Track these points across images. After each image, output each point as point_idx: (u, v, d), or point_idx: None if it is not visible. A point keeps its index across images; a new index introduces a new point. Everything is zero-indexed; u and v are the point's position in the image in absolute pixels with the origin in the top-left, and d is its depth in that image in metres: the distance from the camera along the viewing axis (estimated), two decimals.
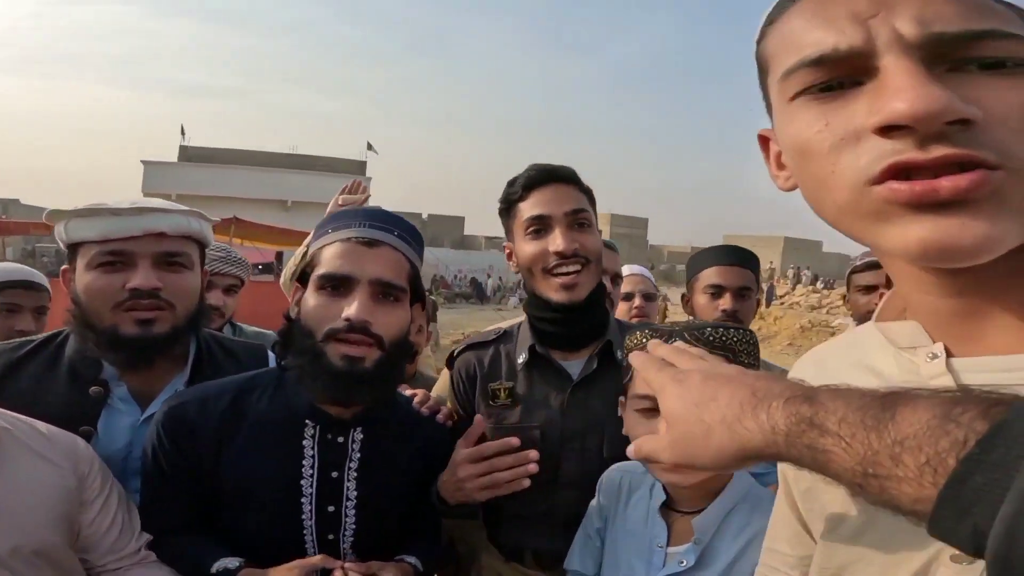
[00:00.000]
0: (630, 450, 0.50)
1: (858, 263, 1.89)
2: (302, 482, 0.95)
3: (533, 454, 0.96)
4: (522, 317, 1.22)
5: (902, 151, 0.36)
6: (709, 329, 0.84)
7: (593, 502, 1.03)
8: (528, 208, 1.11)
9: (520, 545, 1.14)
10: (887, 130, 0.37)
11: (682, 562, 0.85)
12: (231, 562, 0.89)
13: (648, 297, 2.02)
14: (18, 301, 1.62)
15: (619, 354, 1.13)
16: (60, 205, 1.03)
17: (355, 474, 0.98)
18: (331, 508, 0.96)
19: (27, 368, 1.02)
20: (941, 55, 0.38)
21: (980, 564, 0.39)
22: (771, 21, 0.46)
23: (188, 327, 1.06)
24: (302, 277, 0.98)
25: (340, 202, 1.57)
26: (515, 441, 0.97)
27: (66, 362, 1.03)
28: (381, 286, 0.92)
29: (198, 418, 0.95)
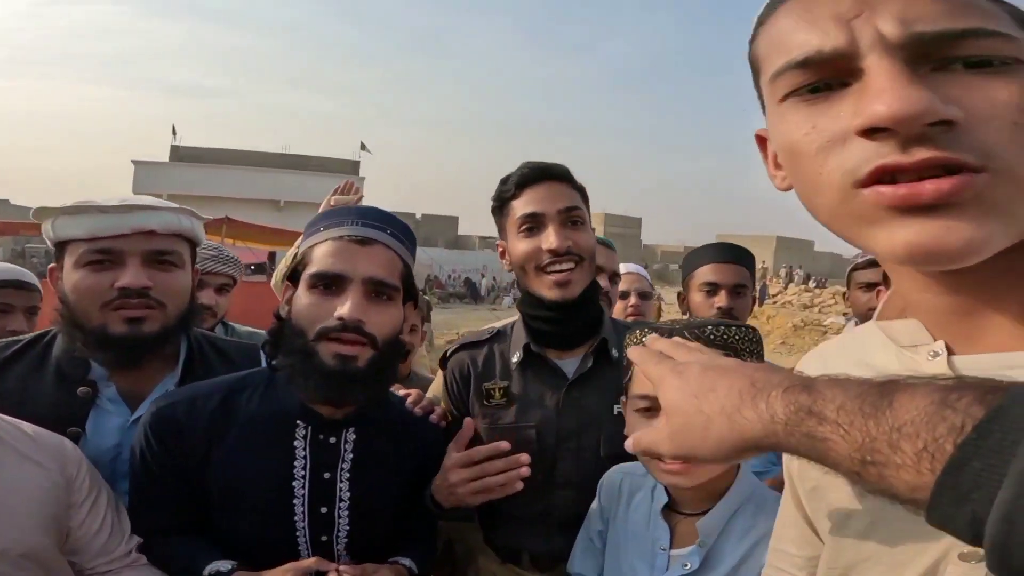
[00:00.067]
0: (628, 444, 0.50)
1: (859, 260, 1.90)
2: (294, 483, 0.94)
3: (524, 458, 0.96)
4: (516, 316, 1.21)
5: (886, 154, 0.37)
6: (710, 327, 0.84)
7: (594, 504, 1.03)
8: (521, 206, 1.11)
9: (516, 547, 1.13)
10: (870, 132, 0.37)
11: (686, 565, 0.84)
12: (224, 565, 0.88)
13: (644, 295, 2.02)
14: (10, 301, 1.60)
15: (614, 352, 1.12)
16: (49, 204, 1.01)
17: (348, 475, 0.97)
18: (324, 509, 0.95)
19: (14, 368, 1.00)
20: (925, 55, 0.37)
21: None
22: (761, 22, 0.46)
23: (179, 327, 1.05)
24: (293, 276, 0.97)
25: (332, 202, 1.56)
26: (505, 445, 0.96)
27: (53, 362, 1.01)
28: (374, 285, 0.92)
29: (186, 419, 0.93)
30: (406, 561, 0.98)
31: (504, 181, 1.14)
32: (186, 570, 0.90)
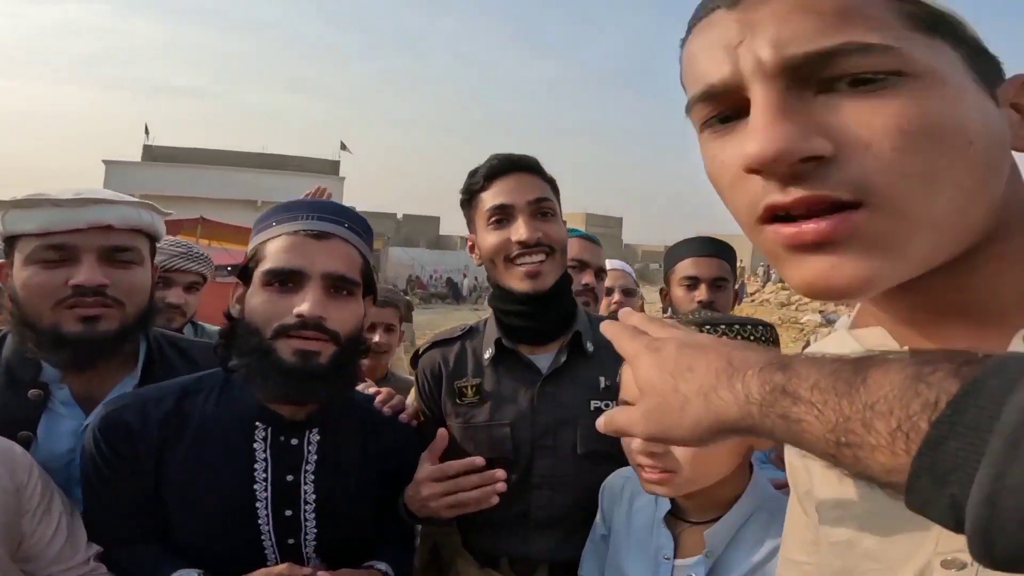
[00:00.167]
0: (599, 422, 0.47)
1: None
2: (255, 486, 0.91)
3: (500, 473, 0.94)
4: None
5: (771, 192, 0.36)
6: (723, 326, 0.81)
7: (599, 508, 1.01)
8: (490, 198, 1.08)
9: (494, 551, 1.11)
10: (754, 171, 0.37)
11: (691, 575, 0.81)
12: (189, 574, 0.86)
13: (628, 292, 2.02)
14: None
15: (589, 346, 1.10)
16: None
17: (312, 477, 0.94)
18: (289, 512, 0.92)
19: None
20: (805, 77, 0.36)
21: (972, 571, 0.37)
22: (682, 44, 0.44)
23: (137, 326, 1.01)
24: (244, 274, 0.94)
25: None
26: (480, 460, 0.94)
27: (3, 363, 0.97)
28: (334, 280, 0.89)
29: (138, 422, 0.90)
30: (382, 566, 0.96)
31: (472, 173, 1.12)
32: None
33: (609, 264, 2.02)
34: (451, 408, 1.12)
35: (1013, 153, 0.40)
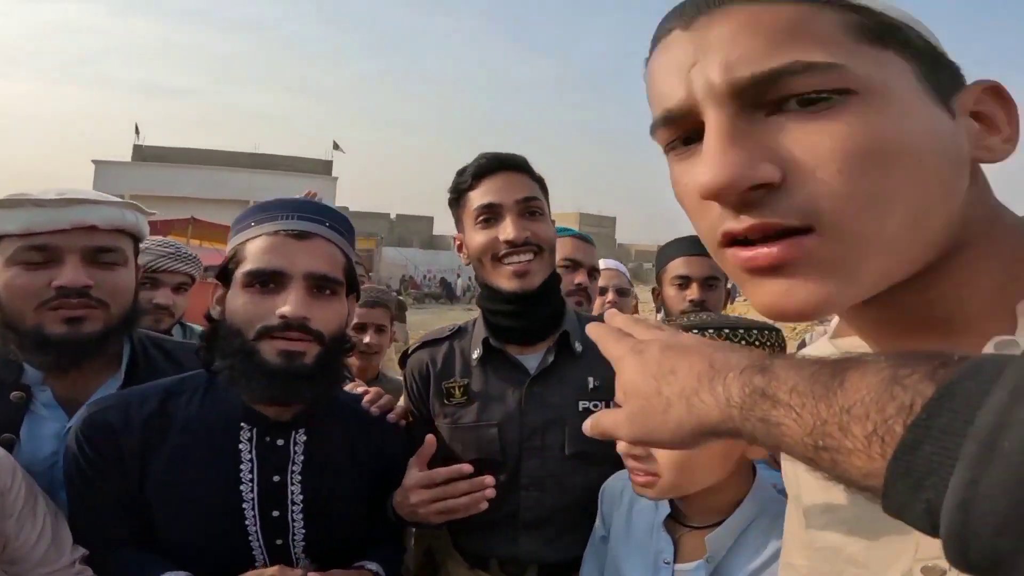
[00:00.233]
0: (586, 425, 0.47)
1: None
2: (241, 487, 0.90)
3: (489, 479, 0.93)
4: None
5: (726, 218, 0.37)
6: (728, 330, 0.80)
7: (599, 511, 1.00)
8: (478, 197, 1.08)
9: (484, 552, 1.10)
10: (708, 199, 0.37)
11: None
12: None
13: (622, 292, 2.02)
14: None
15: (578, 346, 1.10)
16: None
17: (299, 477, 0.93)
18: (276, 513, 0.92)
19: None
20: (755, 99, 0.36)
21: None
22: (646, 61, 0.44)
23: (121, 327, 1.00)
24: (223, 275, 0.92)
25: None
26: (467, 468, 0.93)
27: None
28: (316, 280, 0.89)
29: (121, 424, 0.89)
30: (372, 566, 0.96)
31: (461, 172, 1.11)
32: None
33: (603, 263, 2.02)
34: (439, 409, 1.12)
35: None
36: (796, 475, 0.53)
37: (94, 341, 0.95)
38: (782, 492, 0.84)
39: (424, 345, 1.18)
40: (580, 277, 1.68)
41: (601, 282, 1.95)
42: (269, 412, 0.92)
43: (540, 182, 1.12)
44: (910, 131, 0.35)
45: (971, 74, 0.40)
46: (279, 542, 0.91)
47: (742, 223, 0.36)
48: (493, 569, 1.09)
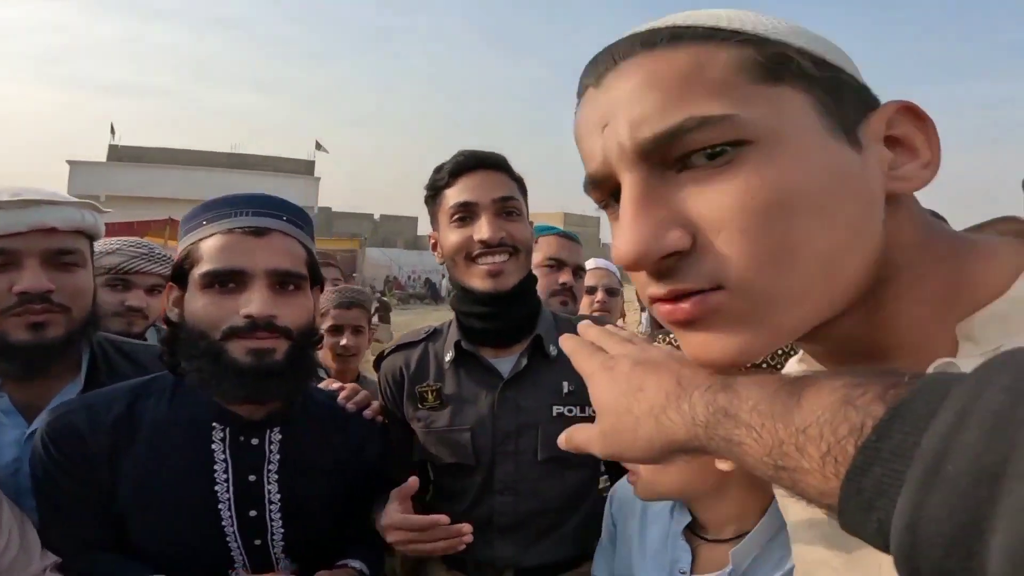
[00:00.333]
0: (560, 440, 0.48)
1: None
2: (216, 487, 0.89)
3: (466, 527, 0.92)
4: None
5: (649, 283, 0.37)
6: None
7: (606, 515, 0.99)
8: (454, 195, 1.06)
9: (460, 555, 1.08)
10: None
11: None
12: None
13: (611, 292, 2.01)
14: None
15: (552, 349, 1.08)
16: None
17: (275, 476, 0.92)
18: (253, 513, 0.90)
19: None
20: (662, 158, 0.36)
21: None
22: (575, 111, 0.43)
23: (83, 331, 0.98)
24: (177, 277, 0.90)
25: None
26: (444, 519, 0.92)
27: None
28: (279, 276, 0.87)
29: (87, 427, 0.87)
30: (356, 564, 0.95)
31: (438, 169, 1.09)
32: None
33: (593, 263, 2.01)
34: (412, 413, 1.10)
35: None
36: (780, 493, 0.53)
37: (58, 346, 0.92)
38: None
39: (398, 348, 1.17)
40: (565, 276, 1.66)
41: (591, 281, 1.94)
42: (242, 411, 0.91)
43: (519, 182, 1.11)
44: (810, 176, 0.34)
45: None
46: (258, 542, 0.90)
47: (661, 288, 0.36)
48: (470, 572, 1.08)
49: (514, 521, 1.04)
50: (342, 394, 1.09)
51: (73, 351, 0.98)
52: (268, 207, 0.90)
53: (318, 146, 30.60)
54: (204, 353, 0.84)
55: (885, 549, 0.24)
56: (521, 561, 1.05)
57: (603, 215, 0.43)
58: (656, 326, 1.79)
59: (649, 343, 0.47)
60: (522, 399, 1.06)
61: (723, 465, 0.82)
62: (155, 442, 0.88)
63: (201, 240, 0.88)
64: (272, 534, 0.91)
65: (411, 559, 1.24)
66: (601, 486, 1.22)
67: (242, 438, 0.91)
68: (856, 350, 0.39)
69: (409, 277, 27.85)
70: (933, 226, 0.39)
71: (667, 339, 0.78)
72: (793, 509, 0.50)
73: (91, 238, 1.02)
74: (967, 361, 0.27)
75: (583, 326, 0.53)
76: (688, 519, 0.86)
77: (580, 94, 0.41)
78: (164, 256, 1.83)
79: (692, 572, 0.82)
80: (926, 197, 0.40)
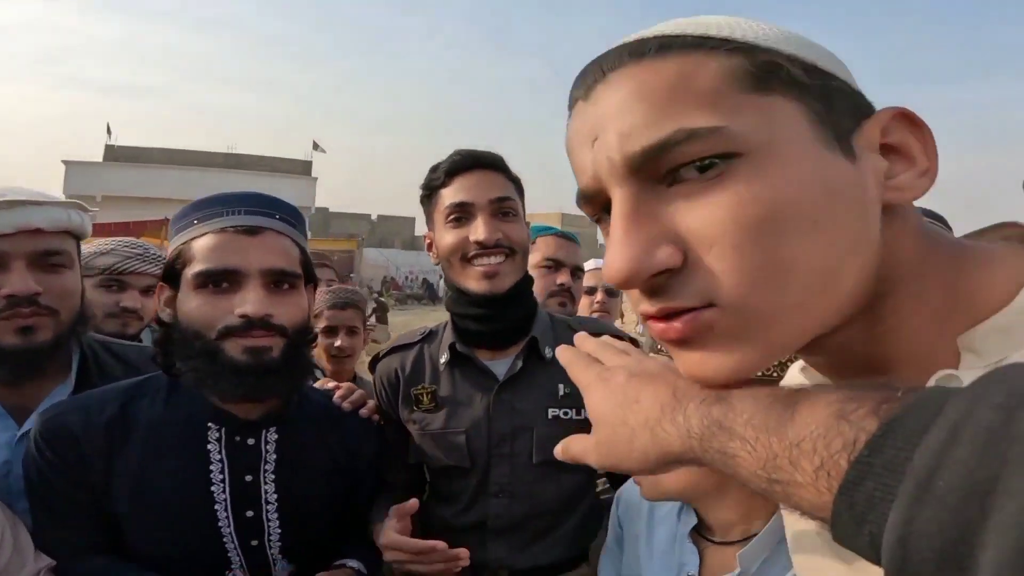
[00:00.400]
0: (557, 450, 0.48)
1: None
2: (212, 488, 0.88)
3: (463, 552, 0.92)
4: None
5: (641, 300, 0.37)
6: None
7: (612, 517, 0.99)
8: (450, 195, 1.04)
9: None
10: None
11: None
12: None
13: (611, 292, 2.00)
14: None
15: (547, 352, 1.07)
16: None
17: (272, 476, 0.92)
18: (250, 513, 0.89)
19: None
20: (652, 172, 0.35)
21: None
22: (567, 124, 0.42)
23: (72, 333, 0.97)
24: (169, 276, 0.89)
25: None
26: (442, 545, 0.91)
27: None
28: (274, 275, 0.86)
29: (81, 429, 0.86)
30: (353, 563, 0.94)
31: (434, 169, 1.08)
32: None
33: (593, 263, 2.00)
34: (408, 415, 1.10)
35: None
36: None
37: (47, 350, 0.91)
38: None
39: (393, 350, 1.15)
40: (563, 277, 1.64)
41: (591, 282, 1.92)
42: (238, 411, 0.90)
43: (516, 182, 1.09)
44: (802, 189, 0.34)
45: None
46: (255, 543, 0.89)
47: (653, 306, 0.36)
48: (465, 574, 1.07)
49: (509, 524, 1.04)
50: (338, 393, 1.08)
51: (62, 353, 0.97)
52: (261, 206, 0.89)
53: (315, 146, 30.54)
54: (200, 353, 0.83)
55: (877, 562, 0.24)
56: (516, 563, 1.04)
57: None
58: None
59: (645, 354, 0.47)
60: (517, 402, 1.05)
61: None
62: (150, 443, 0.88)
63: (193, 239, 0.87)
64: (269, 535, 0.90)
65: None
66: (599, 489, 1.22)
67: (238, 438, 0.90)
68: (857, 362, 0.39)
69: (407, 277, 27.83)
70: (932, 235, 0.39)
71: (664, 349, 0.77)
72: (791, 519, 0.50)
73: (78, 238, 1.01)
74: (969, 373, 0.27)
75: (579, 337, 0.53)
76: (695, 521, 0.85)
77: (570, 107, 0.41)
78: (159, 256, 1.81)
79: (699, 575, 0.81)
80: (927, 198, 0.39)
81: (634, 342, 1.17)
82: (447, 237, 1.04)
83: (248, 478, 0.90)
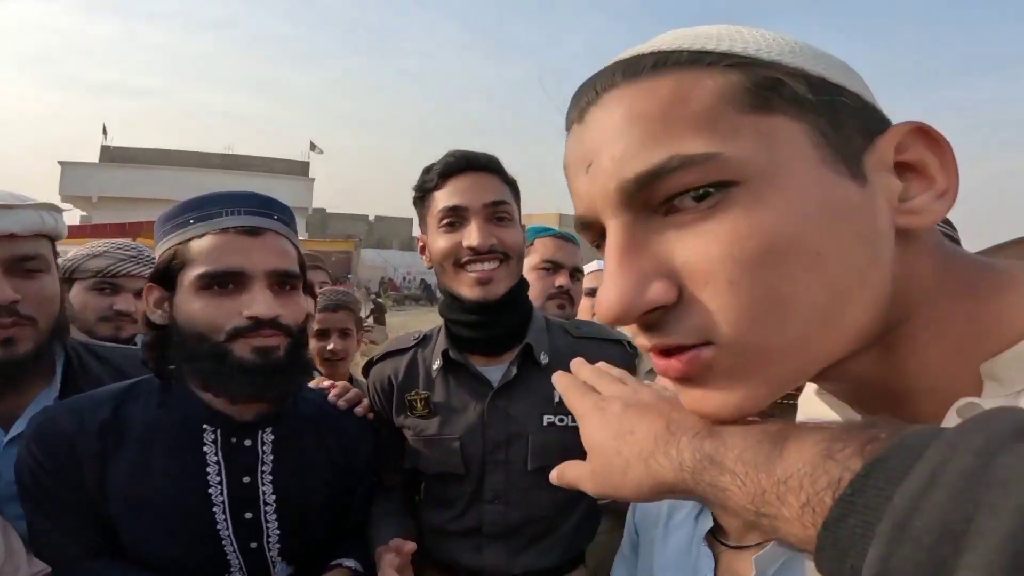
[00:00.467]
0: (552, 476, 0.48)
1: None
2: (210, 490, 0.87)
3: None
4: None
5: (637, 333, 0.37)
6: None
7: (627, 522, 0.98)
8: (443, 198, 1.02)
9: (451, 562, 1.08)
10: None
11: None
12: None
13: None
14: None
15: (543, 358, 1.06)
16: None
17: (270, 477, 0.91)
18: (249, 515, 0.89)
19: None
20: (647, 200, 0.34)
21: None
22: (566, 143, 0.41)
23: (53, 339, 0.95)
24: (163, 277, 0.87)
25: None
26: None
27: None
28: (278, 276, 0.86)
29: (75, 432, 0.85)
30: (350, 563, 0.94)
31: (427, 170, 1.05)
32: None
33: (597, 264, 1.97)
34: (402, 421, 1.09)
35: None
36: None
37: (28, 361, 0.90)
38: None
39: (387, 356, 1.14)
40: (561, 279, 1.62)
41: (592, 283, 1.90)
42: (233, 412, 0.89)
43: (511, 184, 1.06)
44: (804, 219, 0.32)
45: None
46: (254, 545, 0.89)
47: (648, 341, 0.36)
48: None
49: (504, 529, 1.03)
50: (332, 392, 1.07)
51: (45, 359, 0.96)
52: (259, 206, 0.89)
53: (312, 146, 30.47)
54: (207, 355, 0.82)
55: None
56: (511, 568, 1.04)
57: None
58: None
59: (640, 384, 0.47)
60: (512, 408, 1.04)
61: None
62: (145, 445, 0.87)
63: (191, 240, 0.85)
64: (268, 536, 0.90)
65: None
66: None
67: (234, 439, 0.90)
68: (875, 390, 0.38)
69: (404, 278, 27.81)
70: (952, 257, 0.37)
71: None
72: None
73: (53, 240, 0.99)
74: (991, 401, 0.27)
75: (576, 364, 0.53)
76: (711, 524, 0.84)
77: (567, 127, 0.39)
78: (153, 258, 1.79)
79: None
80: None
81: (632, 346, 1.16)
82: (440, 242, 1.02)
83: (246, 479, 0.89)
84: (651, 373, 1.19)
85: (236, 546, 0.88)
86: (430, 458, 1.05)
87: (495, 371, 1.06)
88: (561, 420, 1.03)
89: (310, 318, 0.94)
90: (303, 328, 0.91)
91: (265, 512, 0.90)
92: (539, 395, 1.04)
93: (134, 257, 1.72)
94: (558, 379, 0.51)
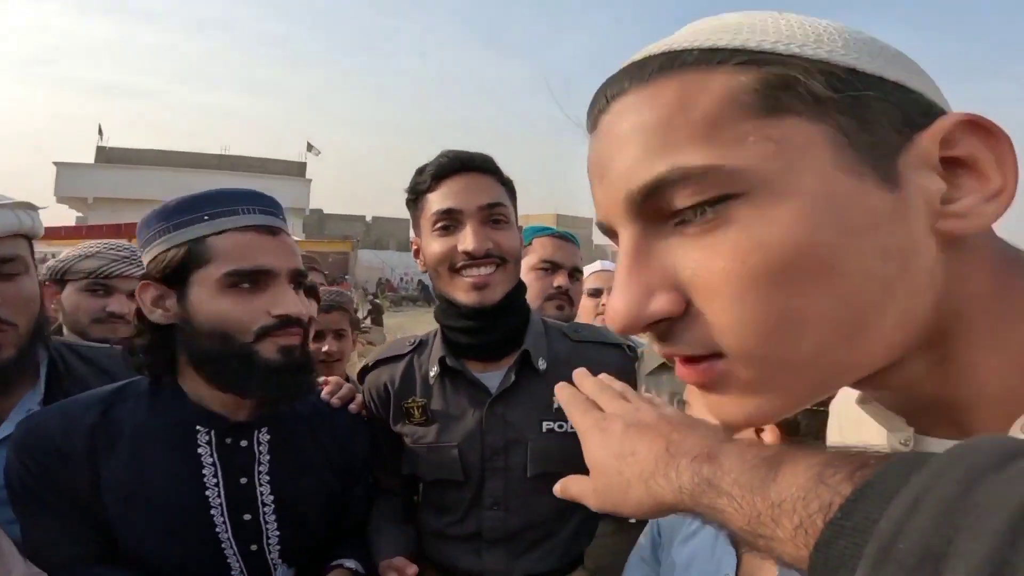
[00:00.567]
0: (556, 489, 0.49)
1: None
2: (207, 492, 0.86)
3: None
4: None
5: (652, 340, 0.37)
6: None
7: (650, 524, 0.97)
8: (437, 200, 0.98)
9: (450, 564, 1.07)
10: None
11: None
12: None
13: None
14: None
15: (541, 363, 1.03)
16: None
17: (267, 478, 0.90)
18: (247, 516, 0.88)
19: None
20: (654, 211, 0.33)
21: None
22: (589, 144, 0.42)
23: (34, 342, 0.94)
24: (173, 276, 0.83)
25: None
26: None
27: None
28: (298, 276, 0.88)
29: (63, 437, 0.83)
30: (350, 563, 0.93)
31: (420, 171, 1.01)
32: None
33: (600, 264, 1.96)
34: (400, 427, 1.07)
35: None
36: None
37: (11, 367, 0.89)
38: None
39: (382, 362, 1.11)
40: (560, 279, 1.59)
41: (598, 284, 1.87)
42: (227, 413, 0.88)
43: (507, 185, 1.03)
44: (816, 231, 0.30)
45: None
46: (254, 547, 0.87)
47: (661, 349, 0.36)
48: None
49: (504, 534, 1.02)
50: (326, 389, 1.06)
51: (29, 361, 0.94)
52: (270, 205, 0.89)
53: (309, 147, 30.40)
54: (232, 356, 0.81)
55: None
56: (510, 571, 1.03)
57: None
58: None
59: (642, 400, 0.48)
60: (511, 415, 1.02)
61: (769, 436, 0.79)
62: (138, 447, 0.85)
63: (208, 236, 0.82)
64: (268, 538, 0.88)
65: None
66: None
67: (229, 440, 0.88)
68: (926, 401, 0.36)
69: (402, 279, 27.76)
70: (1013, 263, 0.34)
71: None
72: None
73: (30, 239, 0.96)
74: None
75: (578, 375, 0.54)
76: None
77: (587, 134, 0.39)
78: None
79: None
80: None
81: (632, 350, 1.15)
82: (434, 246, 0.99)
83: (243, 480, 0.88)
84: (652, 376, 1.18)
85: (236, 549, 0.86)
86: (429, 465, 1.04)
87: (493, 377, 1.04)
88: (560, 426, 1.02)
89: (312, 320, 0.93)
90: (308, 328, 0.92)
91: (264, 513, 0.88)
92: (538, 401, 1.02)
93: (127, 258, 1.70)
94: (560, 392, 0.52)
